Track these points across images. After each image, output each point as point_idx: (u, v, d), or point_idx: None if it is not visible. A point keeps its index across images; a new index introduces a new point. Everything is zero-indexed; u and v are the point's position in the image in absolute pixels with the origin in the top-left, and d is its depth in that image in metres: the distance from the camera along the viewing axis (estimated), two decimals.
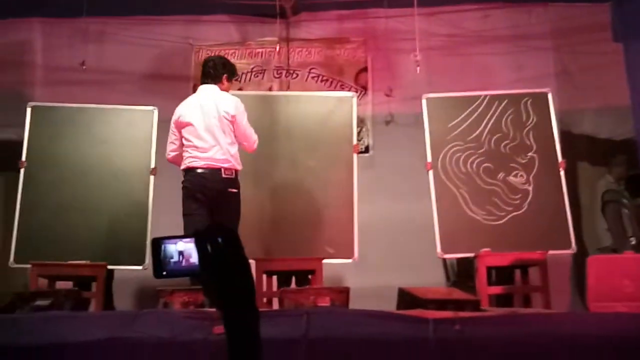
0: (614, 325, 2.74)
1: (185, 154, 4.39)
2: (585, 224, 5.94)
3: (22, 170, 5.29)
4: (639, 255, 3.67)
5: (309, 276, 4.81)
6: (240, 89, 6.24)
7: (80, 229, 5.16)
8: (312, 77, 6.63)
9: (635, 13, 5.61)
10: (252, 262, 4.84)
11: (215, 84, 4.48)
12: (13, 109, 6.25)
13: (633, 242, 5.26)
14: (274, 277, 4.96)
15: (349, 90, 6.37)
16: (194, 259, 1.21)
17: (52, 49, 6.57)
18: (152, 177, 5.34)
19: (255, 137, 4.54)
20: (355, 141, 5.44)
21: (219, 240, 1.18)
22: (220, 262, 1.17)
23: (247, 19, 6.67)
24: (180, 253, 1.23)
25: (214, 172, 4.26)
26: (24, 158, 5.32)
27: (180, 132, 4.44)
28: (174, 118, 4.50)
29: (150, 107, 5.52)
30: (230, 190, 4.29)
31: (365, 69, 6.64)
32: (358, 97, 6.28)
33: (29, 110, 5.47)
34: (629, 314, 2.95)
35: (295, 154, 5.32)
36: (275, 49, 6.54)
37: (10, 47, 6.59)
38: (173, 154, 4.52)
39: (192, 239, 1.21)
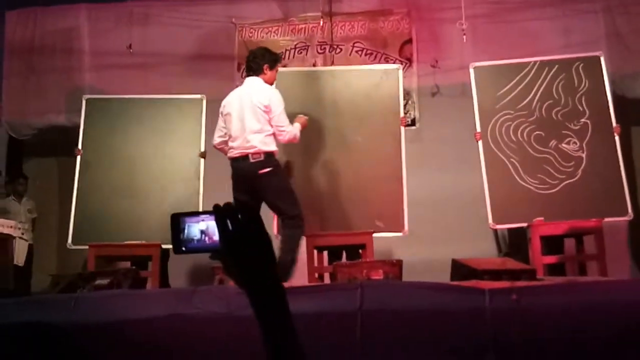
0: None
1: (228, 144, 4.56)
2: None
3: (78, 158, 5.43)
4: None
5: (360, 251, 4.82)
6: (284, 66, 6.23)
7: (135, 211, 5.30)
8: (356, 51, 6.58)
9: None
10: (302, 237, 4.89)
11: (257, 75, 4.57)
12: (64, 95, 6.41)
13: None
14: (325, 253, 4.99)
15: (393, 63, 6.29)
16: (216, 236, 1.19)
17: (98, 34, 6.68)
18: (202, 160, 5.45)
19: (289, 129, 4.54)
20: (402, 114, 5.39)
21: (239, 217, 1.16)
22: (241, 238, 1.16)
23: None
24: (203, 232, 1.21)
25: (244, 159, 4.41)
26: (80, 147, 5.46)
27: (221, 123, 4.64)
28: (220, 109, 4.68)
29: (199, 96, 5.62)
30: (260, 172, 4.37)
31: (409, 41, 6.55)
32: (403, 69, 6.22)
33: (83, 102, 5.60)
34: None
35: (342, 129, 5.29)
36: (319, 24, 6.50)
37: (58, 34, 6.73)
38: (219, 139, 4.66)
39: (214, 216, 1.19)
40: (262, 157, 4.38)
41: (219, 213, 1.17)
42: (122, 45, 6.17)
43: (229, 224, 1.16)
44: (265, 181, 4.40)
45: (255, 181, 4.38)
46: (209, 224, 1.21)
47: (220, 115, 4.66)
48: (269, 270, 1.18)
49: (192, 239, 1.22)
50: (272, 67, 4.64)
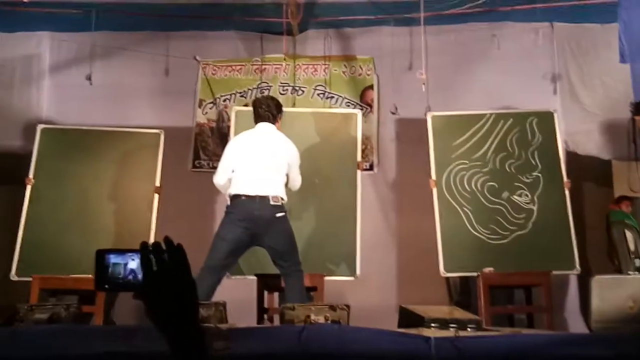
0: (616, 346, 2.70)
1: (234, 180, 4.42)
2: (590, 244, 5.90)
3: (28, 187, 5.34)
4: None
5: (311, 293, 4.81)
6: (245, 105, 6.25)
7: (85, 244, 5.14)
8: (318, 94, 6.64)
9: None
10: (252, 278, 4.86)
11: (272, 123, 4.58)
12: (20, 123, 6.30)
13: (638, 264, 5.23)
14: (276, 294, 4.94)
15: (354, 108, 6.37)
16: (141, 275, 1.17)
17: (60, 63, 6.60)
18: (156, 195, 5.40)
19: (300, 182, 4.67)
20: (359, 158, 5.45)
21: (165, 257, 1.14)
22: (164, 280, 1.13)
23: (254, 36, 6.69)
24: (129, 270, 1.19)
25: (262, 199, 4.29)
26: (31, 175, 5.37)
27: (233, 161, 4.48)
28: (231, 146, 4.60)
29: (157, 130, 5.62)
30: (278, 215, 4.32)
31: (371, 87, 6.65)
32: (364, 114, 6.29)
33: (38, 130, 5.54)
34: (632, 335, 2.92)
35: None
36: (282, 65, 6.56)
37: (19, 61, 6.63)
38: (227, 180, 4.47)
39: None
40: (280, 202, 4.35)
41: (145, 251, 1.14)
42: (82, 75, 6.12)
43: (154, 264, 1.13)
44: (282, 225, 4.36)
45: (270, 223, 4.30)
46: (136, 262, 1.19)
47: (231, 152, 4.53)
48: (190, 315, 1.15)
49: (117, 277, 1.20)
50: (281, 117, 4.69)
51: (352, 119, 5.58)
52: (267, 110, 4.59)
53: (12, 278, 5.09)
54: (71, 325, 3.25)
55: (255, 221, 4.28)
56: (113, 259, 1.21)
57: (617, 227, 5.62)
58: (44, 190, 5.36)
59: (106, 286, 1.21)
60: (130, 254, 1.21)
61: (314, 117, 5.73)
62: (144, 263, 1.15)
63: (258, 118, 4.60)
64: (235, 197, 4.36)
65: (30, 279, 4.90)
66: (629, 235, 5.50)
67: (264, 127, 4.56)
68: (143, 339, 2.76)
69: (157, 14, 6.46)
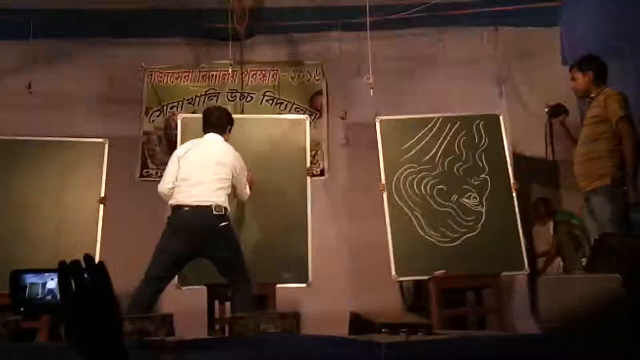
0: (565, 346, 2.72)
1: (176, 190, 4.35)
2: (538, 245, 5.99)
3: None
4: (589, 275, 3.68)
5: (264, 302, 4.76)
6: (193, 112, 6.17)
7: (28, 258, 4.92)
8: (267, 100, 6.60)
9: (582, 38, 5.74)
10: (203, 287, 4.78)
11: (220, 134, 4.54)
12: None
13: (584, 263, 5.31)
14: (227, 304, 4.87)
15: (303, 113, 6.34)
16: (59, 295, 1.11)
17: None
18: (101, 206, 5.26)
19: (248, 193, 4.68)
20: (308, 164, 5.42)
21: (85, 275, 1.09)
22: (84, 301, 1.08)
23: (201, 42, 6.62)
24: (48, 290, 1.14)
25: (205, 209, 4.23)
26: None
27: (176, 170, 4.41)
28: (176, 154, 4.52)
29: (101, 140, 5.46)
30: (221, 224, 4.27)
31: (320, 92, 6.64)
32: (313, 120, 6.28)
33: None
34: (580, 335, 2.95)
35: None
36: (229, 71, 6.50)
37: None
38: (170, 185, 4.39)
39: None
40: (223, 212, 4.28)
41: (62, 271, 1.08)
42: (22, 83, 5.93)
43: (73, 284, 1.07)
44: (225, 234, 4.30)
45: (214, 233, 4.24)
46: (55, 282, 1.12)
47: (176, 160, 4.45)
48: (112, 339, 1.09)
49: (34, 298, 1.14)
50: (231, 128, 4.65)
51: (300, 125, 5.55)
52: (216, 120, 4.54)
53: None
54: (11, 344, 3.12)
55: (197, 232, 4.21)
56: (30, 279, 1.15)
57: (562, 227, 5.70)
58: None
59: (22, 308, 1.15)
60: (48, 273, 1.15)
61: (262, 123, 5.69)
62: (62, 283, 1.08)
63: (207, 127, 4.55)
64: (176, 207, 4.28)
65: None
66: (575, 234, 5.59)
67: (212, 137, 4.51)
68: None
69: (100, 21, 6.34)
